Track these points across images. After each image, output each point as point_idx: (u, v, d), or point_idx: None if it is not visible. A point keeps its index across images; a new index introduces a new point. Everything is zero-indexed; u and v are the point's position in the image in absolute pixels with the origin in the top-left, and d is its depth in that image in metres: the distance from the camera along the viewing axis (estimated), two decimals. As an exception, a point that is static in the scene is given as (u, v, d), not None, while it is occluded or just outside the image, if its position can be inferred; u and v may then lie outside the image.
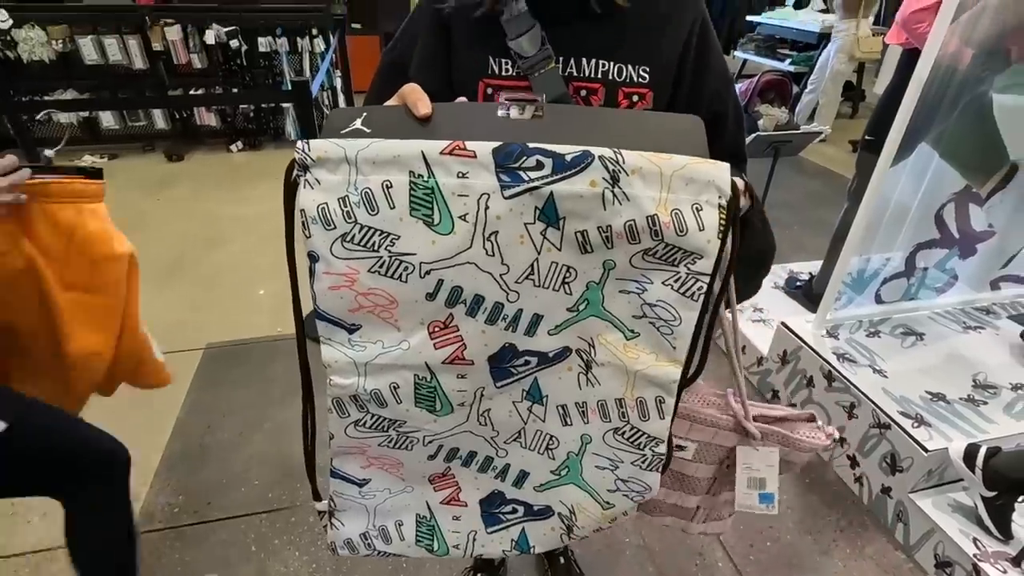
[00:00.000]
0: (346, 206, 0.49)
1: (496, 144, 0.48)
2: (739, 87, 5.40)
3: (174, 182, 3.85)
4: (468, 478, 0.68)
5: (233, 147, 4.42)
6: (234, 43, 4.07)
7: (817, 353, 1.84)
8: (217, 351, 2.28)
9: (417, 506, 0.69)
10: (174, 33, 3.95)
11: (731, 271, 0.55)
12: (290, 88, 3.43)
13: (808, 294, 2.36)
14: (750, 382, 2.18)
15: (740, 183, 0.53)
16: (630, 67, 0.74)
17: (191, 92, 4.18)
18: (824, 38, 5.04)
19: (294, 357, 0.60)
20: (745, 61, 6.44)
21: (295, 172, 0.50)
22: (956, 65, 1.55)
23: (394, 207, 0.49)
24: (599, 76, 0.74)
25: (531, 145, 0.48)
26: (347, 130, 0.50)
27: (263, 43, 4.14)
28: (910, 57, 1.82)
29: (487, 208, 0.49)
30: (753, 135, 2.13)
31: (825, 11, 5.59)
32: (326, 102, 4.44)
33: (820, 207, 3.77)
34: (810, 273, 2.47)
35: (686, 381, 0.58)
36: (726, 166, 0.49)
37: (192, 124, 4.43)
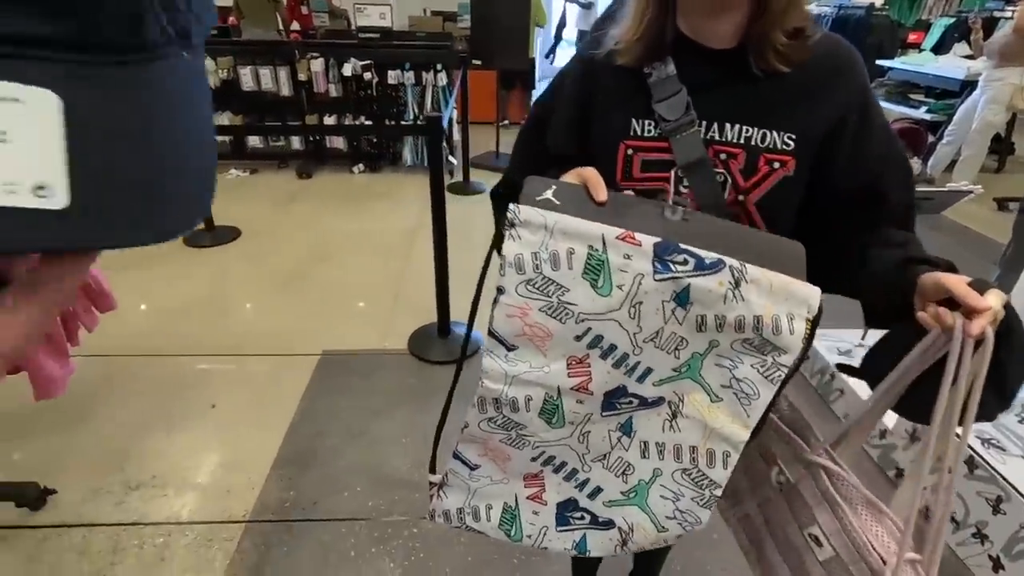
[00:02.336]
0: (536, 260, 0.63)
1: (657, 239, 0.62)
2: (865, 134, 5.09)
3: (302, 198, 4.23)
4: (554, 483, 0.80)
5: (355, 169, 4.79)
6: (367, 75, 4.45)
7: (956, 435, 1.66)
8: (331, 358, 2.44)
9: (507, 496, 0.81)
10: (318, 65, 4.39)
11: (971, 395, 0.61)
12: (423, 122, 3.73)
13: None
14: (870, 456, 1.99)
15: (999, 300, 0.59)
16: (775, 133, 0.73)
17: (325, 118, 4.60)
18: (968, 86, 4.65)
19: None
20: (872, 107, 6.05)
21: (505, 227, 0.64)
22: None
23: (571, 268, 0.63)
24: (741, 141, 0.74)
25: (681, 245, 0.62)
26: (541, 198, 0.63)
27: (392, 76, 4.49)
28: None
29: (639, 284, 0.63)
30: (890, 190, 1.99)
31: (970, 56, 5.16)
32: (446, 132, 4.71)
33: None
34: (947, 343, 2.24)
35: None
36: (817, 291, 0.63)
37: (322, 146, 4.86)
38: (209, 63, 4.28)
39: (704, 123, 0.74)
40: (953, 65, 5.09)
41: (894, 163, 0.78)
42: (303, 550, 1.60)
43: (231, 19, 5.65)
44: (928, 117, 5.14)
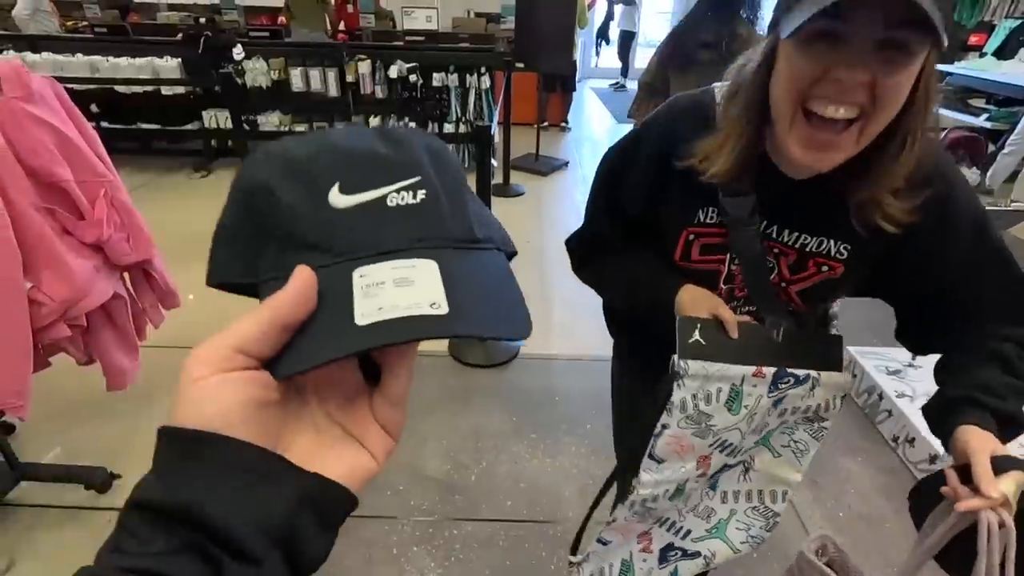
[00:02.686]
0: (695, 400, 0.79)
1: (775, 369, 0.79)
2: (919, 142, 4.89)
3: (346, 197, 4.33)
4: (658, 535, 1.00)
5: (397, 169, 4.88)
6: (412, 77, 4.52)
7: (1013, 465, 1.60)
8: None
9: (624, 553, 1.01)
10: (365, 67, 4.49)
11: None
12: (468, 127, 3.97)
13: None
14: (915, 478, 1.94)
15: (1013, 487, 0.59)
16: (831, 242, 0.73)
17: (370, 119, 4.70)
18: (1035, 93, 4.43)
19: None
20: (928, 113, 5.82)
21: (674, 379, 0.78)
22: None
23: (718, 401, 0.80)
24: (796, 246, 0.75)
25: (787, 369, 0.80)
26: (692, 341, 0.77)
27: (436, 78, 4.55)
28: None
29: (759, 402, 0.81)
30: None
31: (1037, 62, 4.91)
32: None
33: (1015, 287, 3.28)
34: (1004, 367, 2.16)
35: None
36: (849, 378, 0.85)
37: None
38: (262, 64, 4.43)
39: (764, 222, 0.75)
40: (1018, 71, 4.85)
41: (994, 278, 0.72)
42: (346, 546, 1.66)
43: (281, 19, 5.83)
44: (989, 125, 4.91)
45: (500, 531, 1.72)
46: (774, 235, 0.75)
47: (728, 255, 0.79)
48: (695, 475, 0.87)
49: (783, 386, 0.81)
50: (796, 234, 0.75)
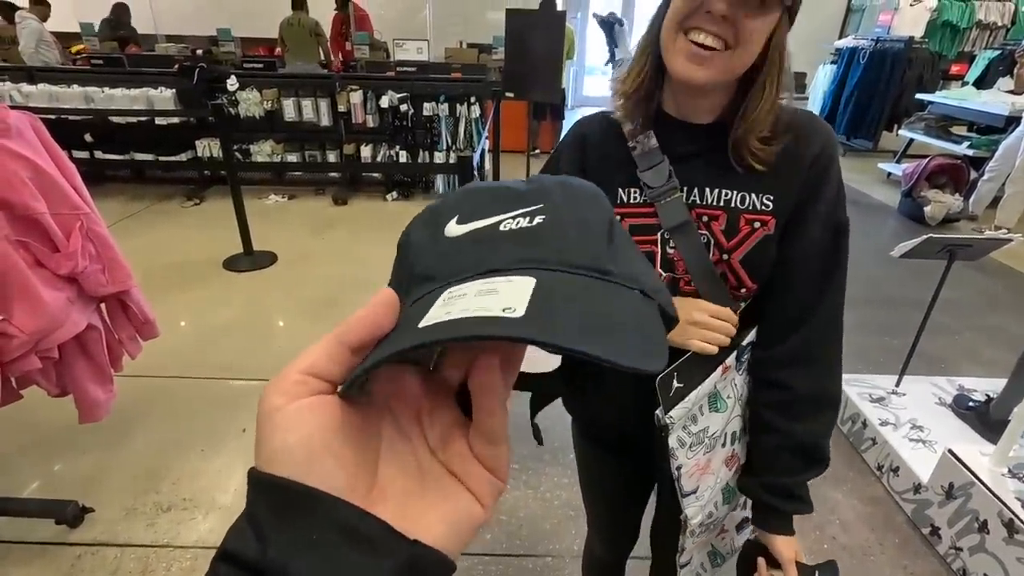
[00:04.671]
0: (687, 430, 0.81)
1: (734, 352, 0.82)
2: (905, 168, 4.97)
3: (337, 224, 4.36)
4: (730, 517, 1.02)
5: (389, 196, 4.93)
6: (403, 107, 4.60)
7: (995, 495, 1.59)
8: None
9: (707, 547, 1.03)
10: (357, 97, 4.57)
11: None
12: (456, 154, 4.03)
13: (984, 419, 2.06)
14: (903, 511, 1.92)
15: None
16: (753, 195, 0.77)
17: (361, 147, 4.76)
18: (1013, 122, 4.52)
19: None
20: (911, 141, 5.93)
21: (663, 432, 0.80)
22: None
23: (703, 414, 0.83)
24: (721, 204, 0.78)
25: (742, 343, 0.83)
26: (672, 392, 0.78)
27: (427, 107, 4.63)
28: None
29: (736, 384, 0.86)
30: (925, 237, 1.94)
31: (1014, 92, 5.02)
32: (476, 163, 4.82)
33: (998, 312, 3.30)
34: (987, 394, 2.16)
35: None
36: None
37: (358, 174, 5.02)
38: (255, 95, 4.50)
39: (685, 188, 0.78)
40: (997, 100, 4.96)
41: (824, 255, 0.78)
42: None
43: (276, 50, 5.94)
44: (970, 153, 5.00)
45: (478, 565, 1.69)
46: (698, 200, 0.78)
47: (659, 234, 0.80)
48: (731, 475, 0.90)
49: (746, 356, 0.85)
50: (717, 191, 0.77)
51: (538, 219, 0.29)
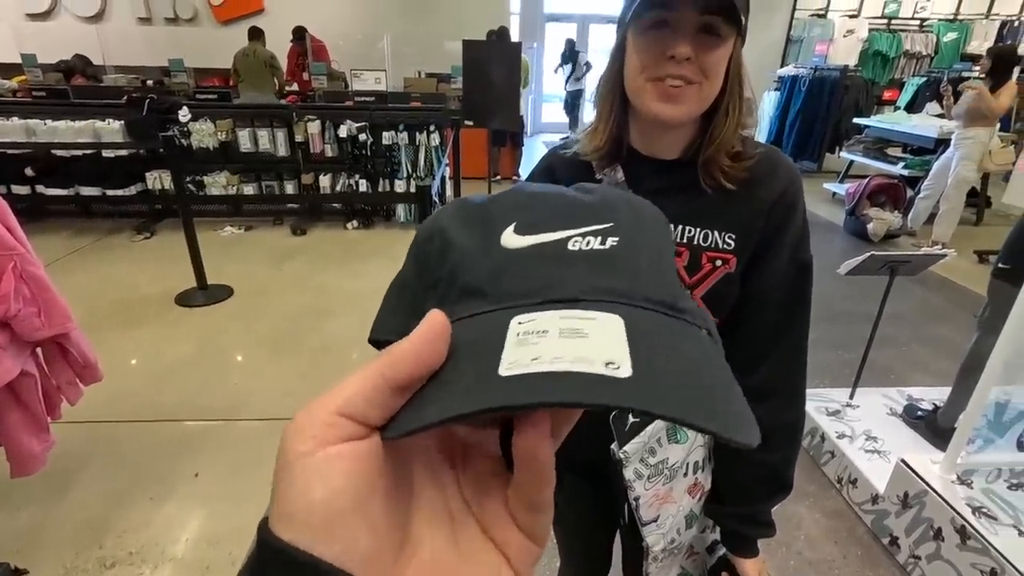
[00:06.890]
0: (644, 462, 0.80)
1: None
2: (847, 188, 5.23)
3: (296, 255, 4.27)
4: (698, 539, 1.01)
5: (349, 225, 4.87)
6: (362, 136, 4.59)
7: (947, 503, 1.65)
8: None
9: (677, 568, 1.03)
10: (314, 127, 4.54)
11: None
12: (416, 183, 4.03)
13: (933, 427, 2.14)
14: (863, 522, 1.96)
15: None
16: (716, 233, 0.78)
17: (320, 177, 4.72)
18: (942, 143, 4.84)
19: None
20: (852, 162, 6.27)
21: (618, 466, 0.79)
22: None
23: (662, 445, 0.81)
24: (684, 240, 0.79)
25: None
26: (628, 427, 0.77)
27: (387, 136, 4.63)
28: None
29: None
30: (868, 254, 2.04)
31: (941, 116, 5.39)
32: (437, 190, 4.83)
33: (940, 322, 3.47)
34: (934, 403, 2.25)
35: None
36: None
37: (317, 203, 4.95)
38: (209, 126, 4.42)
39: None
40: (927, 123, 5.31)
41: (790, 290, 0.80)
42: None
43: (231, 80, 5.86)
44: (906, 172, 5.31)
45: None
46: None
47: None
48: (695, 503, 0.88)
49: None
50: (681, 227, 0.78)
51: (611, 241, 0.26)
